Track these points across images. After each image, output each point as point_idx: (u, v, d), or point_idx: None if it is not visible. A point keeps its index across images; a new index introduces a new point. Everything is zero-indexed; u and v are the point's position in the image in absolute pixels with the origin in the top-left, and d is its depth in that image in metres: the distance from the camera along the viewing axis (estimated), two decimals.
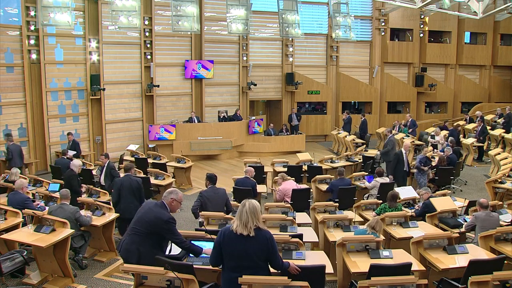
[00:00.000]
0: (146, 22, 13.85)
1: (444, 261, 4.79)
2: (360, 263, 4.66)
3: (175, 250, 4.80)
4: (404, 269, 4.37)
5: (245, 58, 16.11)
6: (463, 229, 6.10)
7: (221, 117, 14.82)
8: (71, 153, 10.77)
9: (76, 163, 7.81)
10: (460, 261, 4.79)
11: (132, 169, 7.05)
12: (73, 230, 5.53)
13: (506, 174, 9.37)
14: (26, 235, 5.42)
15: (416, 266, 4.65)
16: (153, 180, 9.05)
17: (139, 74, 14.11)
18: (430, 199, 6.71)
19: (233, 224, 3.58)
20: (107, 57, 13.33)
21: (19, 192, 6.49)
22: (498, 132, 13.74)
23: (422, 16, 18.08)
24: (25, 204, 6.31)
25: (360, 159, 11.53)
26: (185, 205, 8.36)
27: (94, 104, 13.30)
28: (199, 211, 6.13)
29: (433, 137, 13.09)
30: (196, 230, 5.56)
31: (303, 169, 10.22)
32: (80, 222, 5.86)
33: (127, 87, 14.00)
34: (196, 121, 14.36)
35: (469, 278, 4.02)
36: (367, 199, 8.46)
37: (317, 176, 9.33)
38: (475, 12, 15.39)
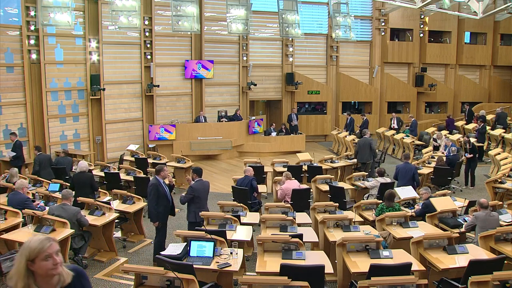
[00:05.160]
0: (146, 22, 13.84)
1: (444, 261, 4.78)
2: (360, 263, 4.66)
3: (175, 250, 4.80)
4: (404, 269, 4.37)
5: (245, 58, 16.10)
6: (463, 229, 6.10)
7: (223, 116, 14.82)
8: (10, 154, 10.11)
9: (85, 164, 7.77)
10: (460, 261, 4.79)
11: None
12: (73, 230, 5.53)
13: (506, 174, 9.36)
14: (26, 235, 5.43)
15: (416, 266, 4.65)
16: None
17: (139, 74, 14.10)
18: (430, 199, 6.71)
19: None
20: (107, 57, 13.32)
21: (19, 192, 6.49)
22: (498, 132, 13.74)
23: (422, 16, 18.07)
24: (25, 204, 6.31)
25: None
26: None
27: (94, 104, 13.29)
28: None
29: (435, 140, 13.13)
30: (196, 230, 5.57)
31: (303, 169, 10.22)
32: (81, 223, 5.86)
33: (127, 87, 13.99)
34: (203, 120, 14.41)
35: (469, 278, 4.03)
36: (367, 199, 8.46)
37: (317, 176, 9.33)
38: (475, 12, 15.38)
